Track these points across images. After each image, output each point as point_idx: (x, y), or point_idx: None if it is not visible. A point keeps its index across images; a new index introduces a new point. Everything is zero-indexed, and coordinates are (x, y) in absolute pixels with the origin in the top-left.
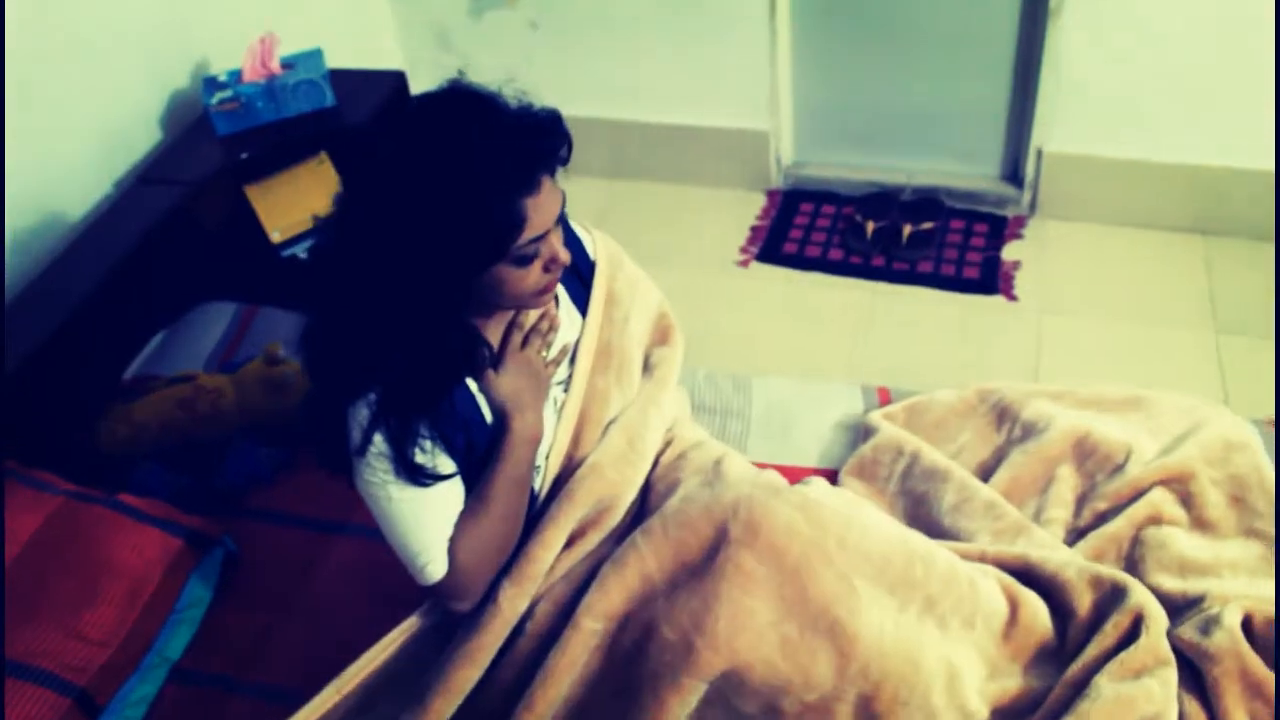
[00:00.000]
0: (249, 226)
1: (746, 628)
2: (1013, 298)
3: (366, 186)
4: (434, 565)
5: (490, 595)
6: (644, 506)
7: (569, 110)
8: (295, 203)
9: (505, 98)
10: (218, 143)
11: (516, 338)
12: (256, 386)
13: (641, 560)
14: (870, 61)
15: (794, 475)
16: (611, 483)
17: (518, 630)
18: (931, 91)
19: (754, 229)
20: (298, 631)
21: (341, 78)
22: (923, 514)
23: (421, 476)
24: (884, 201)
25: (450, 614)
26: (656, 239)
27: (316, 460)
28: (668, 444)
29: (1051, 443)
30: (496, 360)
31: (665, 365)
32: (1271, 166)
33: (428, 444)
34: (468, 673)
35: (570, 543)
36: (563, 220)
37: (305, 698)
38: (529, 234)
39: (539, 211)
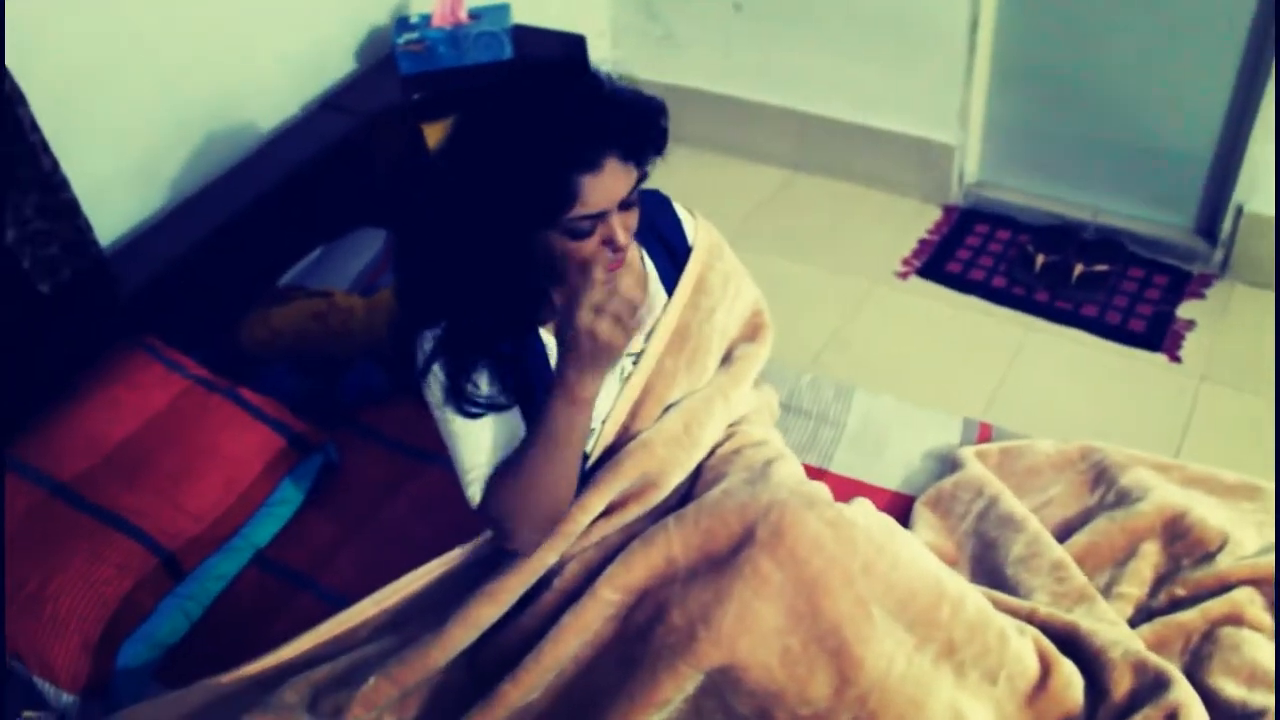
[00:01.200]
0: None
1: (751, 630)
2: (1176, 359)
3: (454, 134)
4: (474, 488)
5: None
6: (690, 491)
7: (760, 96)
8: None
9: (609, 78)
10: (399, 80)
11: (585, 314)
12: (383, 313)
13: (669, 542)
14: (1071, 87)
15: (871, 495)
16: (660, 460)
17: (545, 583)
18: (1133, 128)
19: (922, 242)
20: (368, 546)
21: (525, 34)
22: (989, 559)
23: (469, 407)
24: (1062, 236)
25: (498, 552)
26: (823, 236)
27: (396, 382)
28: (728, 436)
29: (1142, 515)
30: (563, 327)
31: (744, 361)
32: None
33: (484, 381)
34: (488, 610)
35: (610, 511)
36: (643, 204)
37: None
38: (582, 209)
39: (596, 190)
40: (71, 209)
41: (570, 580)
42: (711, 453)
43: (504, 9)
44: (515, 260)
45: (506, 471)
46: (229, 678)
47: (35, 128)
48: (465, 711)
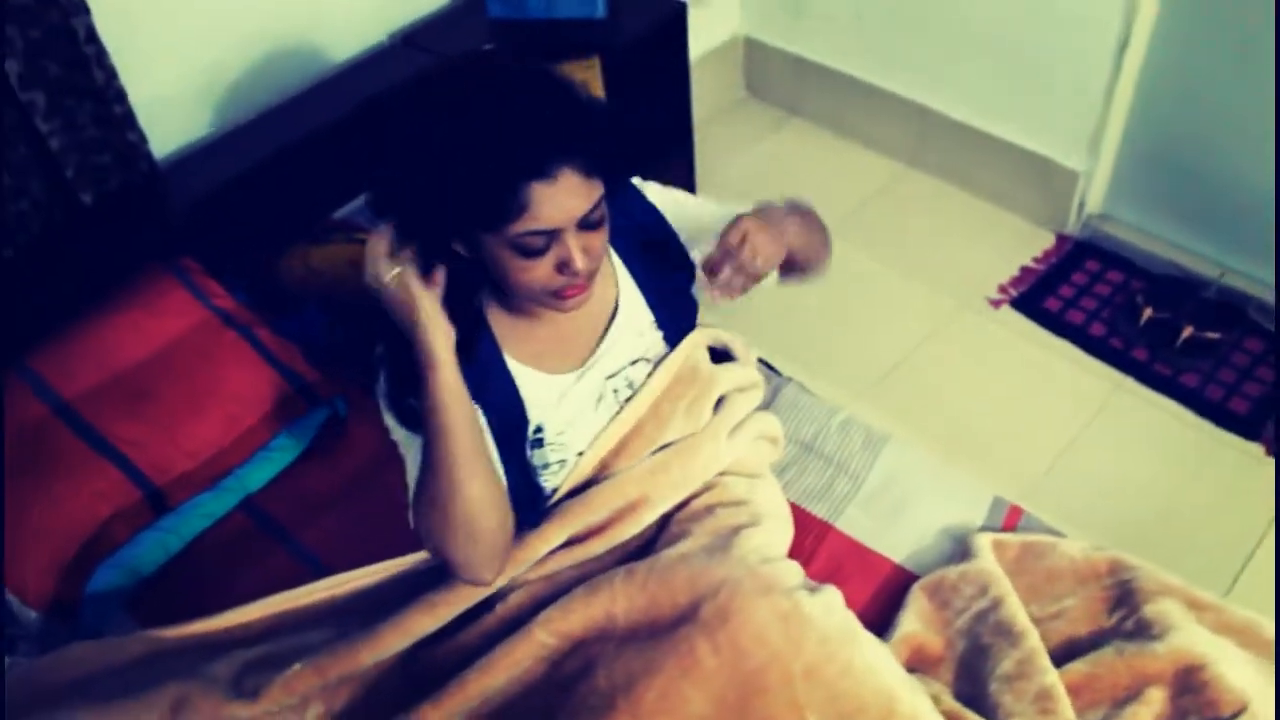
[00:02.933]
0: None
1: (672, 712)
2: (1273, 453)
3: (401, 121)
4: (411, 508)
5: None
6: (654, 540)
7: (884, 81)
8: None
9: (577, 86)
10: (486, 24)
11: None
12: None
13: (613, 598)
14: (1221, 128)
15: (872, 564)
16: (633, 501)
17: (488, 605)
18: None
19: (1025, 270)
20: (356, 512)
21: None
22: (976, 666)
23: (409, 420)
24: (1179, 290)
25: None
26: (921, 242)
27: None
28: (707, 488)
29: (1155, 656)
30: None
31: (733, 409)
32: None
33: None
34: (424, 620)
35: (571, 543)
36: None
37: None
38: (533, 223)
39: (549, 202)
40: (126, 121)
41: (513, 609)
42: (686, 503)
43: None
44: (454, 271)
45: (418, 487)
46: (171, 633)
47: (92, 39)
48: (394, 711)
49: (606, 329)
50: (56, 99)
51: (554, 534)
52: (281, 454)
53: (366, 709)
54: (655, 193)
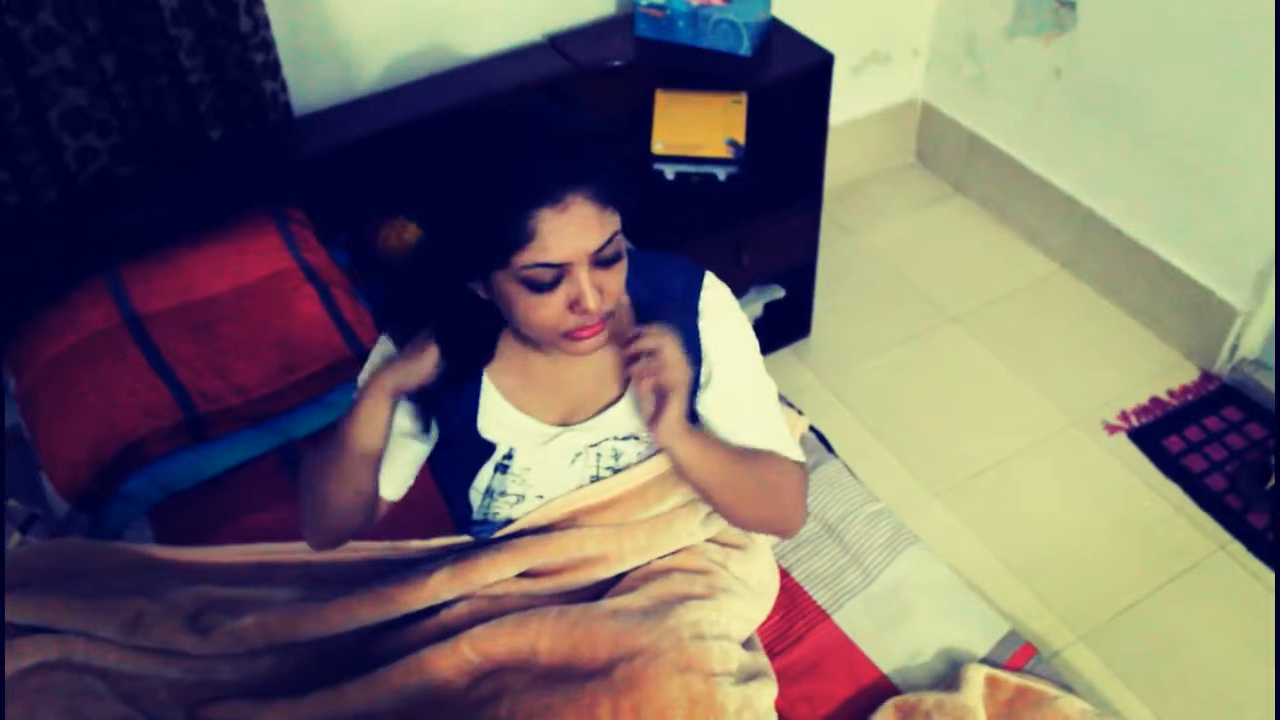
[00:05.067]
0: (633, 123)
1: None
2: None
3: (422, 159)
4: (386, 485)
5: (430, 568)
6: (606, 583)
7: (1051, 174)
8: (694, 127)
9: (587, 118)
10: (632, 41)
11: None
12: None
13: (540, 633)
14: None
15: (857, 667)
16: (589, 557)
17: (435, 610)
18: None
19: (1155, 400)
20: None
21: (780, 33)
22: None
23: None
24: None
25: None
26: (1053, 348)
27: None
28: (677, 551)
29: None
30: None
31: None
32: None
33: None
34: (371, 610)
35: (522, 576)
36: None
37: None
38: (540, 254)
39: (558, 231)
40: (268, 70)
41: (454, 618)
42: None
43: (763, 2)
44: (462, 302)
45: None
46: (160, 553)
47: None
48: (327, 683)
49: (611, 404)
50: (204, 39)
51: (508, 565)
52: (328, 411)
53: (304, 675)
54: (713, 318)
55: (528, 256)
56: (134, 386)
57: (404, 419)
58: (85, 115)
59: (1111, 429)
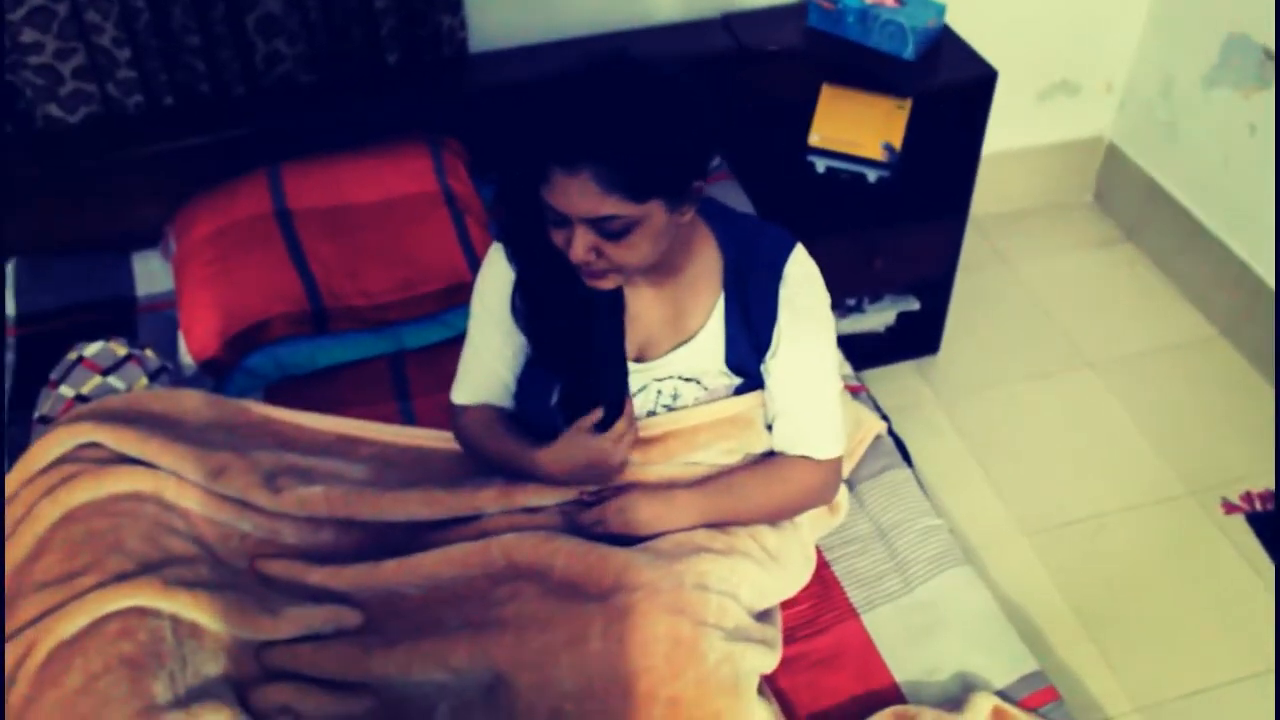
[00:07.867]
0: (792, 113)
1: (542, 668)
2: None
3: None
4: (457, 390)
5: (482, 482)
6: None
7: (1228, 238)
8: (854, 125)
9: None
10: (803, 30)
11: (586, 420)
12: None
13: (558, 552)
14: None
15: (873, 672)
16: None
17: (479, 515)
18: None
19: None
20: None
21: (950, 43)
22: None
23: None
24: None
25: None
26: (1189, 415)
27: None
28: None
29: None
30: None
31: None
32: None
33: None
34: (420, 507)
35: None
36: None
37: None
38: (549, 196)
39: (560, 189)
40: (450, 6)
41: (493, 526)
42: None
43: (937, 8)
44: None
45: (482, 431)
46: (258, 410)
47: None
48: (381, 558)
49: (684, 342)
50: None
51: (549, 495)
52: (443, 329)
53: (357, 553)
54: (794, 288)
55: (545, 193)
56: (271, 272)
57: (512, 338)
58: (278, 22)
59: (1230, 508)
